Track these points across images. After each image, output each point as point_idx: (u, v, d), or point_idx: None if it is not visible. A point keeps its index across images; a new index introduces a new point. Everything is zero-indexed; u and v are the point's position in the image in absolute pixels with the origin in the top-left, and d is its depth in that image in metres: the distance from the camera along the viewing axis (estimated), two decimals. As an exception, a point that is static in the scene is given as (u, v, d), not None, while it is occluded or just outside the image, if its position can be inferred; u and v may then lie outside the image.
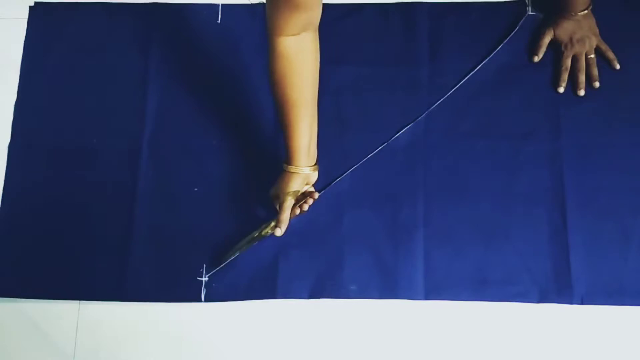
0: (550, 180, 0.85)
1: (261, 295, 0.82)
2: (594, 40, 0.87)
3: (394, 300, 0.82)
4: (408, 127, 0.87)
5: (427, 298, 0.82)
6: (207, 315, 0.82)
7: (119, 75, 0.92)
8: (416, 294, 0.82)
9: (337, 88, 0.90)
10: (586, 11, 0.85)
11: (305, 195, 0.81)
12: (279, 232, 0.76)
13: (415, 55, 0.91)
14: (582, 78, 0.87)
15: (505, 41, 0.90)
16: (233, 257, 0.81)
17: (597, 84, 0.87)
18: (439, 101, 0.88)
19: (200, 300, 0.82)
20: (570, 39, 0.87)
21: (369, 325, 0.82)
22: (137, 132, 0.89)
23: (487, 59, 0.90)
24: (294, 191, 0.77)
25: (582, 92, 0.87)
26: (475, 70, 0.89)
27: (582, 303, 0.81)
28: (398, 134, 0.87)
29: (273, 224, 0.78)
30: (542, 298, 0.81)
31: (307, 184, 0.79)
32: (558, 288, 0.81)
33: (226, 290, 0.82)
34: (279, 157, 0.83)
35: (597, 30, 0.88)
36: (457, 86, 0.89)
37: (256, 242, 0.81)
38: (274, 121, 0.88)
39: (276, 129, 0.88)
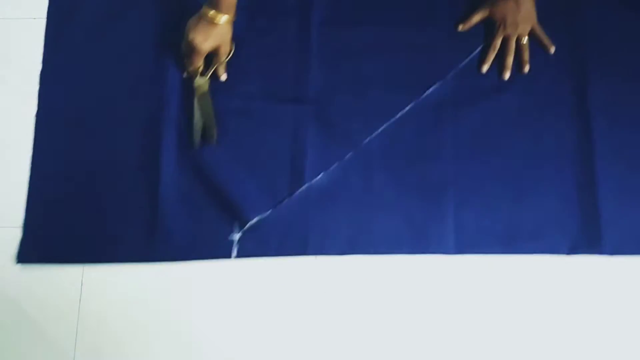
0: (578, 135, 0.86)
1: (292, 251, 0.83)
2: (528, 25, 0.87)
3: (425, 256, 0.83)
4: (435, 86, 0.88)
5: (459, 252, 0.82)
6: (214, 314, 0.82)
7: (141, 41, 0.92)
8: (447, 249, 0.83)
9: (359, 49, 0.91)
10: None
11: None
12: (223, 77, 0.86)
13: (436, 15, 0.91)
14: (508, 61, 0.87)
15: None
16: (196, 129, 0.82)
17: (526, 68, 0.87)
18: (465, 61, 0.89)
19: (230, 257, 0.82)
20: (505, 21, 0.87)
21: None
22: (160, 95, 0.89)
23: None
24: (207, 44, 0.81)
25: (507, 75, 0.87)
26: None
27: (612, 254, 0.82)
28: (425, 94, 0.88)
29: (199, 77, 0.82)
30: (572, 250, 0.82)
31: (219, 41, 0.82)
32: (588, 240, 0.82)
33: (257, 246, 0.83)
34: (297, 116, 0.87)
35: (533, 15, 0.87)
36: (482, 47, 0.90)
37: (206, 101, 0.83)
38: (293, 83, 0.89)
39: (295, 90, 0.89)
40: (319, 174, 0.85)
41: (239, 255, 0.82)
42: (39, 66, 0.91)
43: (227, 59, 0.86)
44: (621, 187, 0.84)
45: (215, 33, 0.82)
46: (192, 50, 0.83)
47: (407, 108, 0.88)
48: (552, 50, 0.88)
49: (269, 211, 0.83)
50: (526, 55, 0.88)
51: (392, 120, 0.87)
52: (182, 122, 0.88)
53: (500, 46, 0.88)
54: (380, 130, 0.87)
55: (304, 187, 0.84)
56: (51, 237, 0.84)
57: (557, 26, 0.90)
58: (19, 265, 0.83)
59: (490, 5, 0.88)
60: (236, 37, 0.89)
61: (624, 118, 0.87)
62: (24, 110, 0.90)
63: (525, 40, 0.88)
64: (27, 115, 0.89)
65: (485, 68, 0.88)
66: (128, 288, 0.83)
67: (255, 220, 0.82)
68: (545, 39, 0.88)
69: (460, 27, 0.89)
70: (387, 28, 0.91)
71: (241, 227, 0.83)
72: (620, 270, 0.82)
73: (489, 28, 0.89)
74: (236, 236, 0.82)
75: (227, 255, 0.82)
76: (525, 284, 0.82)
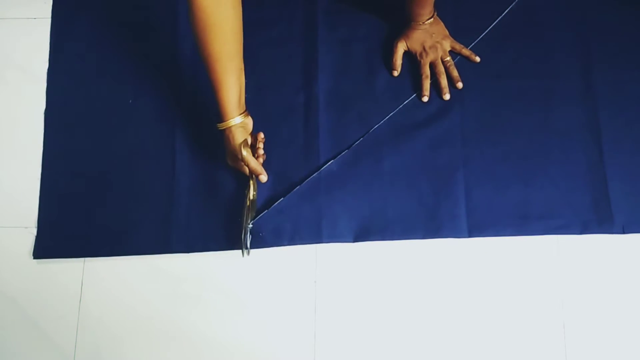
0: (584, 115, 0.87)
1: (306, 240, 0.83)
2: (446, 44, 0.88)
3: (438, 240, 0.83)
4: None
5: (470, 236, 0.83)
6: (211, 313, 0.82)
7: (149, 34, 0.92)
8: (460, 232, 0.83)
9: (365, 36, 0.91)
10: (432, 19, 0.86)
11: (253, 145, 0.80)
12: (264, 178, 0.78)
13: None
14: (444, 82, 0.88)
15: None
16: (245, 231, 0.80)
17: (460, 85, 0.87)
18: (471, 45, 0.90)
19: (246, 248, 0.82)
20: (423, 48, 0.88)
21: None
22: (172, 89, 0.90)
23: (514, 3, 0.91)
24: (242, 142, 0.76)
25: (447, 96, 0.87)
26: (504, 14, 0.91)
27: (623, 232, 0.82)
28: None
29: (251, 182, 0.78)
30: (584, 229, 0.83)
31: (248, 132, 0.79)
32: (599, 219, 0.83)
33: (271, 236, 0.83)
34: (308, 104, 0.88)
35: (447, 33, 0.89)
36: (488, 30, 0.90)
37: (253, 211, 0.81)
38: (302, 71, 0.89)
39: (304, 79, 0.89)
40: (334, 158, 0.86)
41: (253, 247, 0.82)
42: (42, 65, 0.91)
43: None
44: (629, 165, 0.85)
45: (230, 147, 0.79)
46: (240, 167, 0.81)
47: (415, 95, 0.89)
48: (478, 59, 0.89)
49: (280, 200, 0.83)
50: (454, 73, 0.88)
51: (401, 106, 0.88)
52: (194, 113, 0.88)
53: (430, 71, 0.88)
54: (389, 116, 0.87)
55: (314, 175, 0.85)
56: (66, 232, 0.85)
57: (562, 8, 0.91)
58: (19, 266, 0.84)
59: (404, 38, 0.88)
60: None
61: (628, 97, 0.87)
62: (31, 111, 0.90)
63: (448, 58, 0.88)
64: (34, 115, 0.89)
65: (425, 98, 0.87)
66: (128, 288, 0.83)
67: (266, 211, 0.83)
68: (466, 51, 0.89)
69: (395, 73, 0.89)
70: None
71: (254, 217, 0.83)
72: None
73: (412, 60, 0.90)
74: (249, 227, 0.82)
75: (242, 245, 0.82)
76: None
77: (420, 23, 0.86)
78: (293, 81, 0.89)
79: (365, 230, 0.83)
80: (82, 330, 0.81)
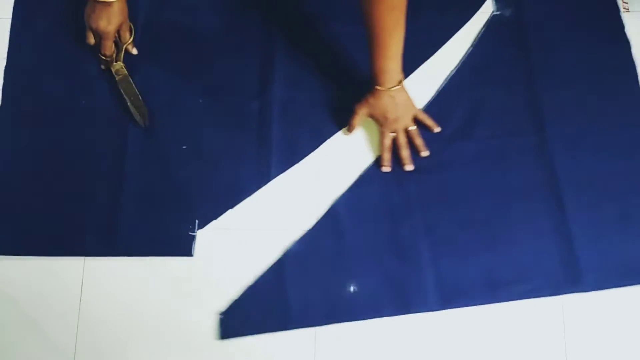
0: (542, 173, 0.85)
1: (275, 327, 0.79)
2: (410, 114, 0.85)
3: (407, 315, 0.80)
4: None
5: (442, 308, 0.80)
6: (211, 313, 0.80)
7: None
8: (431, 305, 0.80)
9: (324, 45, 0.92)
10: (398, 86, 0.83)
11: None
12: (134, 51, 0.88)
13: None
14: (405, 154, 0.85)
15: (473, 43, 0.92)
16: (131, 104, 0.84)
17: (424, 153, 0.85)
18: (424, 106, 0.89)
19: (190, 255, 0.81)
20: (386, 117, 0.85)
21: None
22: None
23: (459, 62, 0.91)
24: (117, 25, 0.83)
25: (409, 167, 0.85)
26: (449, 76, 0.91)
27: (594, 289, 0.80)
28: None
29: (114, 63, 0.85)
30: (554, 291, 0.81)
31: (121, 21, 0.84)
32: (568, 279, 0.81)
33: (241, 325, 0.79)
34: (262, 113, 0.88)
35: (411, 102, 0.85)
36: (437, 92, 0.90)
37: (128, 84, 0.86)
38: (258, 79, 0.89)
39: (259, 87, 0.89)
40: (285, 170, 0.85)
41: (224, 336, 0.79)
42: (2, 62, 0.91)
43: (132, 37, 0.89)
44: (592, 219, 0.83)
45: (113, 12, 0.83)
46: (100, 36, 0.85)
47: (368, 166, 0.87)
48: (437, 129, 0.87)
49: (246, 288, 0.81)
50: (418, 141, 0.85)
51: (356, 179, 0.86)
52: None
53: (392, 142, 0.86)
54: (345, 192, 0.85)
55: (280, 255, 0.82)
56: (12, 231, 0.83)
57: (510, 66, 0.91)
58: (19, 264, 0.82)
59: (367, 106, 0.85)
60: (200, 34, 0.92)
61: (584, 150, 0.87)
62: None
63: (413, 128, 0.86)
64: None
65: (385, 169, 0.85)
66: (128, 288, 0.81)
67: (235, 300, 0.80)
68: (429, 121, 0.87)
69: (346, 133, 0.87)
70: (351, 25, 0.87)
71: (202, 225, 0.82)
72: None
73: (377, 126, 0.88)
74: (195, 234, 0.81)
75: (186, 252, 0.82)
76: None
77: (384, 90, 0.83)
78: (248, 89, 0.89)
79: (333, 313, 0.80)
80: (82, 330, 0.80)
